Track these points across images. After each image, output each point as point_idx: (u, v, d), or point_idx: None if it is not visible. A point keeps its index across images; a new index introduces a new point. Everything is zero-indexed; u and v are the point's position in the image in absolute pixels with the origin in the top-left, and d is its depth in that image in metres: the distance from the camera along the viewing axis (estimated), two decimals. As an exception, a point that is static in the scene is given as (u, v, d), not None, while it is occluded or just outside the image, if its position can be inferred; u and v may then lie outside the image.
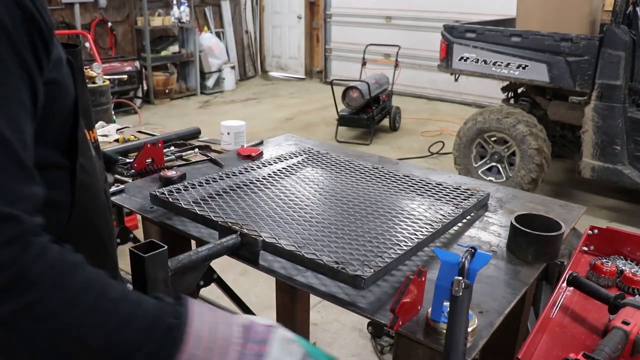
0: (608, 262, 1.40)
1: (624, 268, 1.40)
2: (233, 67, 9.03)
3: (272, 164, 1.89)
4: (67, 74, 0.79)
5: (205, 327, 0.67)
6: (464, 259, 0.96)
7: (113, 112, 3.73)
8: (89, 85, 3.50)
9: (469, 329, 1.04)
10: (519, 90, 4.96)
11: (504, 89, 5.00)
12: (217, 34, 9.03)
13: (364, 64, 6.74)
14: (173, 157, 2.14)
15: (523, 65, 4.18)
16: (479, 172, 4.53)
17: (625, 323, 1.09)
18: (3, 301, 0.54)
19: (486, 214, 1.61)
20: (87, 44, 6.82)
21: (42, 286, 0.57)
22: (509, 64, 4.25)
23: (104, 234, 0.93)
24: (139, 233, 2.91)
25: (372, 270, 1.15)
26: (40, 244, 0.59)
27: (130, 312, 0.63)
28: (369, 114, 6.02)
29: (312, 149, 2.07)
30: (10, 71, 0.63)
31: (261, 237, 1.27)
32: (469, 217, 1.57)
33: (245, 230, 1.29)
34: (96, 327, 0.60)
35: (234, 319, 0.71)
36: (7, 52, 0.62)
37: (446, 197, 1.64)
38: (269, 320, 0.74)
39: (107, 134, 2.53)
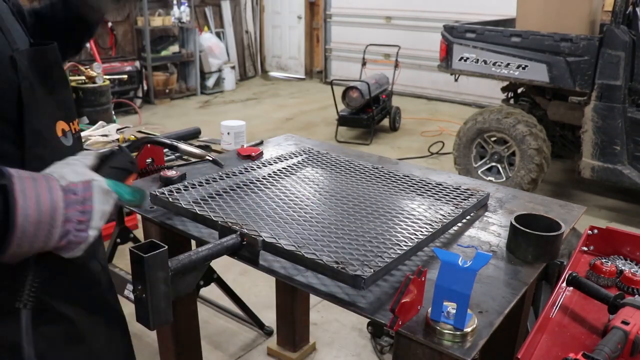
0: (608, 262, 1.40)
1: (623, 268, 1.40)
2: (233, 67, 9.03)
3: (272, 164, 1.89)
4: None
5: (32, 202, 0.75)
6: None
7: (113, 112, 3.73)
8: (89, 85, 3.51)
9: (469, 329, 1.04)
10: (519, 91, 4.96)
11: (503, 89, 5.00)
12: (217, 34, 9.03)
13: (364, 64, 6.74)
14: (173, 157, 2.15)
15: (523, 66, 4.18)
16: (479, 172, 4.53)
17: (625, 323, 1.09)
18: None
19: (486, 214, 1.61)
20: (87, 44, 6.83)
21: None
22: (509, 64, 4.25)
23: None
24: (139, 233, 2.92)
25: (372, 270, 1.15)
26: None
27: None
28: (369, 114, 6.02)
29: (312, 149, 2.07)
30: None
31: (261, 237, 1.27)
32: (468, 217, 1.57)
33: (246, 230, 1.29)
34: None
35: (53, 184, 0.79)
36: None
37: (446, 197, 1.64)
38: (84, 174, 0.84)
39: (107, 133, 2.53)
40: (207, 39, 8.57)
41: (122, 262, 2.83)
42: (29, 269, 0.87)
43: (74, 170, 0.84)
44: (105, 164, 0.91)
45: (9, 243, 0.74)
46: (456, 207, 1.55)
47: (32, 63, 0.91)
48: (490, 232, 1.49)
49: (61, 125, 0.97)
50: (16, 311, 0.85)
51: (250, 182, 1.71)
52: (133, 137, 2.44)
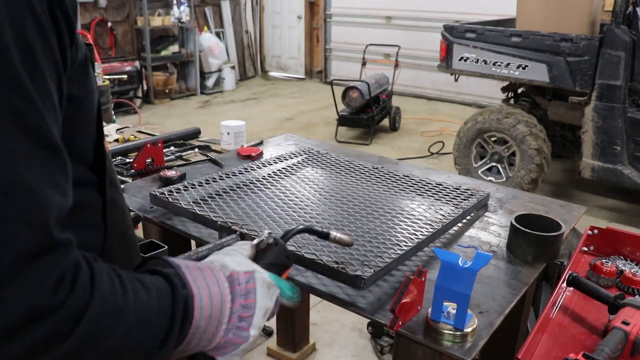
0: (608, 262, 1.40)
1: (623, 268, 1.40)
2: (233, 67, 9.03)
3: (272, 164, 1.89)
4: (92, 75, 0.70)
5: (205, 294, 0.66)
6: None
7: (113, 112, 3.72)
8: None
9: (469, 329, 1.04)
10: (519, 91, 4.96)
11: (504, 89, 5.00)
12: (217, 34, 9.03)
13: (364, 64, 6.74)
14: (173, 157, 2.14)
15: (523, 66, 4.18)
16: (479, 172, 4.53)
17: (625, 323, 1.09)
18: (58, 343, 0.52)
19: (486, 214, 1.61)
20: (87, 44, 6.82)
21: (95, 326, 0.55)
22: (509, 64, 4.25)
23: (134, 254, 0.88)
24: (139, 233, 2.91)
25: (372, 270, 1.15)
26: (85, 276, 0.55)
27: (156, 320, 0.62)
28: (369, 114, 6.02)
29: (312, 149, 2.07)
30: (42, 67, 0.54)
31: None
32: (469, 217, 1.57)
33: (245, 230, 1.29)
34: (139, 344, 0.60)
35: (219, 275, 0.70)
36: (39, 44, 0.53)
37: (446, 197, 1.64)
38: (246, 265, 0.74)
39: (107, 134, 2.53)
40: (207, 39, 8.56)
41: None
42: None
43: (235, 260, 0.75)
44: (262, 258, 0.83)
45: (183, 338, 0.65)
46: (456, 207, 1.55)
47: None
48: (491, 232, 1.49)
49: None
50: None
51: (250, 182, 1.71)
52: (133, 137, 2.43)
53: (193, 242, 1.50)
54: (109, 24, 7.57)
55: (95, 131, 0.71)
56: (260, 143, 2.26)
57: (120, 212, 0.80)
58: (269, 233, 0.86)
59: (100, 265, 0.58)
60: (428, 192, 1.67)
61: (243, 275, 0.72)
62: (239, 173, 1.78)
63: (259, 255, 0.83)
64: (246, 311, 0.71)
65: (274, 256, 0.84)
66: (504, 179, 4.39)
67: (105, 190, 0.72)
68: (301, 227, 0.95)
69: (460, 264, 1.03)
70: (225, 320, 0.68)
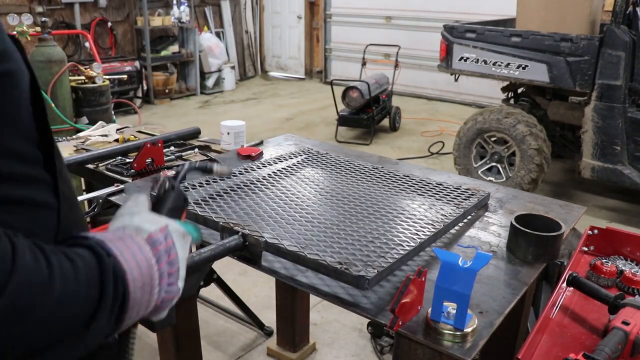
0: (608, 263, 1.40)
1: (623, 268, 1.40)
2: (233, 67, 9.03)
3: (272, 164, 1.89)
4: (18, 58, 0.69)
5: (133, 265, 0.67)
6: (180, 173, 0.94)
7: (113, 112, 3.72)
8: (88, 85, 3.50)
9: (469, 329, 1.04)
10: (519, 91, 4.96)
11: (504, 89, 5.00)
12: (217, 34, 9.02)
13: (364, 64, 6.74)
14: (173, 157, 2.15)
15: (523, 66, 4.18)
16: (479, 172, 4.53)
17: (625, 323, 1.09)
18: None
19: (486, 214, 1.61)
20: (87, 44, 6.82)
21: (16, 293, 0.55)
22: (509, 64, 4.25)
23: None
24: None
25: (376, 271, 1.15)
26: (4, 250, 0.55)
27: (85, 291, 0.61)
28: (369, 114, 6.02)
29: (312, 149, 2.07)
30: None
31: (263, 237, 1.27)
32: (469, 217, 1.57)
33: (247, 231, 1.29)
34: (69, 317, 0.60)
35: (139, 242, 0.71)
36: None
37: (447, 197, 1.64)
38: (156, 221, 0.75)
39: (107, 134, 2.53)
40: (206, 39, 8.56)
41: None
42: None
43: (145, 219, 0.75)
44: (162, 205, 0.83)
45: (123, 316, 0.66)
46: (457, 207, 1.55)
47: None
48: (491, 232, 1.49)
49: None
50: None
51: (250, 183, 1.71)
52: (133, 137, 2.44)
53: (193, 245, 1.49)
54: (109, 24, 7.57)
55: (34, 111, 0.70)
56: (261, 143, 2.26)
57: (72, 205, 0.79)
58: (164, 178, 0.87)
59: (22, 240, 0.58)
60: (428, 192, 1.68)
61: (160, 233, 0.73)
62: (239, 173, 1.78)
63: (159, 203, 0.84)
64: (171, 267, 0.73)
65: (173, 201, 0.84)
66: (504, 179, 4.39)
67: (58, 186, 0.73)
68: (187, 167, 0.96)
69: (460, 264, 1.03)
70: (156, 283, 0.70)
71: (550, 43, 4.02)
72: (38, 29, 3.46)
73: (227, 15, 9.22)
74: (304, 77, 9.81)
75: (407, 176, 1.79)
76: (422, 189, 1.70)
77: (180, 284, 0.74)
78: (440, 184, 1.73)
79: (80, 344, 0.63)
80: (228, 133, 2.28)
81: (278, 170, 1.83)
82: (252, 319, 2.73)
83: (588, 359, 0.99)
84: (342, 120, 6.14)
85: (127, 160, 2.08)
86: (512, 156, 4.35)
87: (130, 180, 1.87)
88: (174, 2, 7.93)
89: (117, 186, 1.81)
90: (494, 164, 4.51)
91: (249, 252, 1.28)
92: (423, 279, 1.07)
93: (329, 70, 9.49)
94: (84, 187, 2.84)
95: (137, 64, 7.33)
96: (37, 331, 0.57)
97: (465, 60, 4.48)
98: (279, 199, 1.59)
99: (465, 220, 1.55)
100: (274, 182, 1.73)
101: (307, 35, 9.56)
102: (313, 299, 2.60)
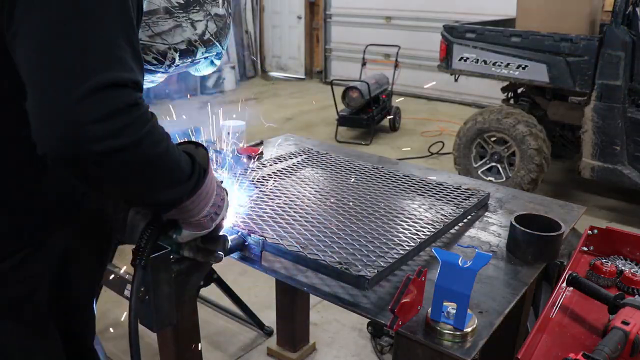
0: (608, 262, 1.40)
1: (623, 268, 1.40)
2: (233, 67, 9.02)
3: (272, 164, 1.90)
4: None
5: (212, 177, 1.02)
6: None
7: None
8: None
9: (469, 329, 1.04)
10: (519, 91, 4.95)
11: (503, 89, 5.00)
12: (217, 34, 9.02)
13: (364, 64, 6.74)
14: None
15: (523, 66, 4.18)
16: (479, 172, 4.53)
17: (625, 323, 1.10)
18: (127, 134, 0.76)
19: (486, 214, 1.61)
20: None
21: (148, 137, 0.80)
22: (508, 64, 4.25)
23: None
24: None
25: (376, 271, 1.15)
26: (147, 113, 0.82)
27: (184, 163, 0.92)
28: (369, 114, 6.02)
29: (312, 149, 2.07)
30: None
31: (264, 237, 1.27)
32: (469, 217, 1.57)
33: (247, 231, 1.29)
34: (175, 168, 0.89)
35: (218, 182, 1.06)
36: None
37: (446, 197, 1.64)
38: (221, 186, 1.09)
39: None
40: (207, 39, 8.56)
41: (124, 262, 2.83)
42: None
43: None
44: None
45: (197, 189, 0.94)
46: (457, 207, 1.56)
47: None
48: (490, 232, 1.49)
49: None
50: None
51: (250, 183, 1.71)
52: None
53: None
54: (109, 24, 7.57)
55: None
56: (260, 143, 2.26)
57: None
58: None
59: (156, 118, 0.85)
60: (428, 192, 1.68)
61: (222, 189, 1.08)
62: (239, 173, 1.78)
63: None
64: (219, 205, 1.05)
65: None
66: (504, 179, 4.39)
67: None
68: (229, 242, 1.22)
69: (460, 264, 1.03)
70: (210, 202, 1.01)
71: (550, 43, 4.01)
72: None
73: (227, 15, 9.21)
74: (304, 77, 9.81)
75: (407, 176, 1.79)
76: (422, 189, 1.70)
77: (214, 223, 1.05)
78: (440, 184, 1.73)
79: (183, 189, 0.91)
80: (228, 133, 2.28)
81: (278, 170, 1.83)
82: (252, 319, 2.73)
83: (588, 359, 1.00)
84: (342, 120, 6.13)
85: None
86: (512, 156, 4.35)
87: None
88: (174, 2, 7.93)
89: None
90: (493, 164, 4.51)
91: (250, 252, 1.29)
92: (423, 279, 1.07)
93: (329, 70, 9.49)
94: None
95: (137, 64, 7.33)
96: (161, 164, 0.84)
97: (465, 60, 4.48)
98: (279, 199, 1.59)
99: (465, 220, 1.55)
100: (274, 182, 1.73)
101: (307, 35, 9.56)
102: (313, 299, 2.60)
